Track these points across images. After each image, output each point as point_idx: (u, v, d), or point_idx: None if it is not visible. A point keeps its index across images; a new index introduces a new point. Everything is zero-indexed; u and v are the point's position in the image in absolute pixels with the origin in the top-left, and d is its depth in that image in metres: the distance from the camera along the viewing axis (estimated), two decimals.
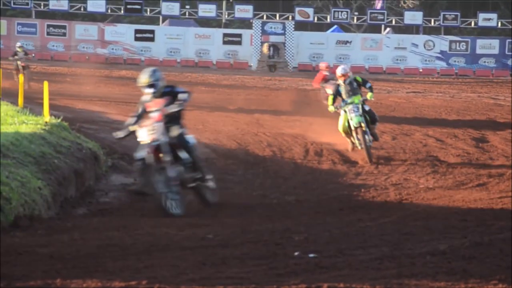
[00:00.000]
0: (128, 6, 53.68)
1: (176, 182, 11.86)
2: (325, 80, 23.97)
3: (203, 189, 12.51)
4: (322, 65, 25.38)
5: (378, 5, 57.75)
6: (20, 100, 18.93)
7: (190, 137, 12.55)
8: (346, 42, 54.56)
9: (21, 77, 22.64)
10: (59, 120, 16.72)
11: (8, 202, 10.36)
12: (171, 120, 12.28)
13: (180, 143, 12.14)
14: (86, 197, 13.27)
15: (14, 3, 52.21)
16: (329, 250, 8.90)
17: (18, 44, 36.45)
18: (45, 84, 16.92)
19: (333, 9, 56.66)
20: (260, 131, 21.20)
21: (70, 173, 13.22)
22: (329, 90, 19.77)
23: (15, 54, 34.47)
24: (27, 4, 52.43)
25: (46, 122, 15.94)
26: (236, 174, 15.97)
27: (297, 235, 9.85)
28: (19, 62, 33.79)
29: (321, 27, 59.97)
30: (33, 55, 39.17)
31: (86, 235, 9.82)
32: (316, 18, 55.57)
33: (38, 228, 10.27)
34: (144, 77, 12.37)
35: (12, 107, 18.04)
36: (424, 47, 54.33)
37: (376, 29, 58.16)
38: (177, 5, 53.87)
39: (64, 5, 52.50)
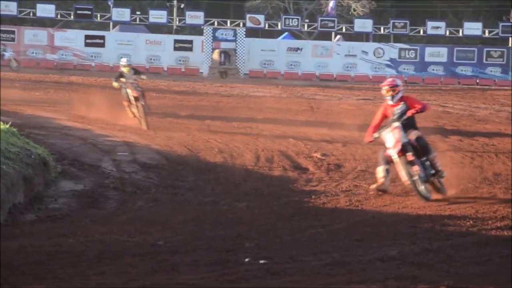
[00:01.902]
0: (78, 12, 53.30)
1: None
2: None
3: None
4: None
5: (330, 9, 58.06)
6: None
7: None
8: (297, 49, 54.74)
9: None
10: (7, 126, 16.53)
11: None
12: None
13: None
14: (35, 203, 13.12)
15: None
16: (280, 256, 8.94)
17: (124, 60, 24.72)
18: None
19: (284, 16, 56.88)
20: (211, 138, 21.19)
21: (18, 179, 13.07)
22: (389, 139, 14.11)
23: (121, 75, 23.79)
24: None
25: None
26: (187, 181, 15.93)
27: (248, 242, 9.87)
28: (129, 91, 23.30)
29: (272, 34, 60.16)
30: (144, 76, 24.61)
31: (36, 242, 9.73)
32: (267, 25, 55.71)
33: None
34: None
35: None
36: (374, 54, 54.74)
37: (326, 36, 58.50)
38: (127, 11, 53.64)
39: (13, 10, 51.99)
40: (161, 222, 11.82)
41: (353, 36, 59.37)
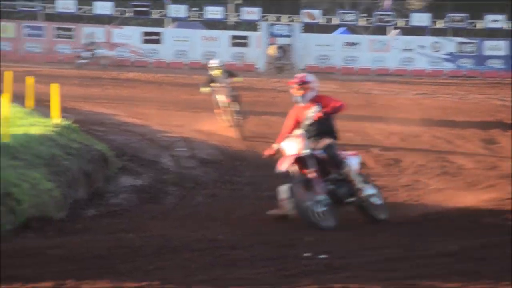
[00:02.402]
0: (136, 9, 53.70)
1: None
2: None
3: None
4: None
5: (386, 4, 57.65)
6: (30, 101, 18.95)
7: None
8: (353, 44, 54.47)
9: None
10: (68, 122, 16.73)
11: (19, 203, 10.38)
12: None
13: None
14: (96, 198, 13.28)
15: (21, 6, 52.22)
16: (340, 251, 8.89)
17: (215, 62, 22.23)
18: (54, 86, 16.94)
19: (340, 11, 56.61)
20: (268, 133, 21.16)
21: (80, 175, 13.24)
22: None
23: (211, 80, 21.50)
24: (34, 7, 52.47)
25: (55, 124, 15.96)
26: (245, 176, 15.96)
27: (307, 236, 9.84)
28: (221, 97, 21.18)
29: (328, 29, 59.92)
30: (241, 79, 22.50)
31: (97, 237, 9.83)
32: (323, 20, 55.49)
33: (49, 230, 10.29)
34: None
35: (21, 109, 18.08)
36: (432, 48, 54.23)
37: (382, 30, 58.07)
38: (184, 8, 53.88)
39: (71, 7, 52.56)
40: (220, 217, 11.86)
41: (409, 30, 58.85)
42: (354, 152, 11.93)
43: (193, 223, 11.24)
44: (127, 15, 54.42)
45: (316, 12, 55.51)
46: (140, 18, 55.74)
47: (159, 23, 56.36)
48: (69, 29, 52.18)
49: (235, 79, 21.66)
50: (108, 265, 8.11)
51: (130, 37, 52.77)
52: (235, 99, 21.09)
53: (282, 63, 52.53)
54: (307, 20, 54.52)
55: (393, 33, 56.68)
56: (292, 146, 11.18)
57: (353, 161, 11.46)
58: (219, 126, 21.74)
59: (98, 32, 52.08)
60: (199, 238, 9.75)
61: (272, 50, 52.59)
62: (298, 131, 11.34)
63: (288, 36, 53.38)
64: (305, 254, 8.71)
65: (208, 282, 7.47)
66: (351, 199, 11.26)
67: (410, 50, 54.15)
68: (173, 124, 21.96)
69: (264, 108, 27.55)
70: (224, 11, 55.03)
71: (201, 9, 54.86)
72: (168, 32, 54.70)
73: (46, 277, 7.37)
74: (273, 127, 22.33)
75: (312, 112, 11.33)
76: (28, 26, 52.31)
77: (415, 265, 8.00)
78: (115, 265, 8.13)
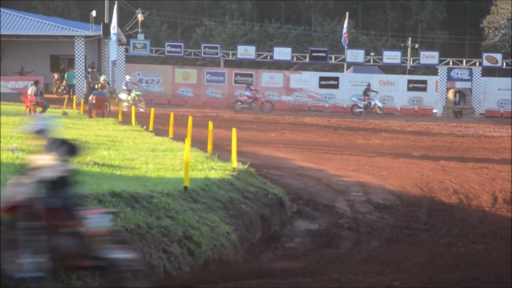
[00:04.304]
0: (313, 54, 54.33)
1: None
2: None
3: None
4: None
5: None
6: (209, 146, 19.49)
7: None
8: None
9: None
10: (246, 166, 17.07)
11: (198, 246, 10.66)
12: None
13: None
14: (273, 242, 13.44)
15: (204, 53, 53.90)
16: None
17: None
18: (233, 130, 17.36)
19: None
20: (445, 178, 20.82)
21: (256, 218, 13.47)
22: None
23: None
24: (216, 53, 54.05)
25: (233, 168, 16.33)
26: (421, 221, 15.74)
27: (487, 286, 9.60)
28: None
29: (509, 72, 58.47)
30: None
31: (274, 280, 9.94)
32: (504, 64, 54.15)
33: (226, 272, 10.49)
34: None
35: (201, 154, 18.59)
36: None
37: None
38: (361, 52, 53.99)
39: (251, 54, 53.77)
40: (396, 263, 11.75)
41: None
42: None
43: (368, 268, 11.18)
44: (305, 60, 55.14)
45: (498, 56, 54.27)
46: (318, 63, 56.18)
47: (337, 68, 56.76)
48: (249, 75, 53.38)
49: None
50: None
51: (307, 82, 53.39)
52: None
53: (461, 107, 51.63)
54: (488, 63, 53.37)
55: None
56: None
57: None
58: (393, 171, 21.59)
59: (276, 77, 52.98)
60: (375, 284, 9.70)
61: (451, 94, 51.83)
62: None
63: (468, 80, 52.47)
64: None
65: None
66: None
67: None
68: (349, 169, 21.99)
69: (442, 153, 27.13)
70: (402, 55, 54.79)
71: (379, 54, 54.85)
72: (345, 76, 55.01)
73: None
74: (449, 172, 21.97)
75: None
76: (209, 72, 53.92)
77: None
78: None
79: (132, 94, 40.89)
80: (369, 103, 48.00)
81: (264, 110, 47.12)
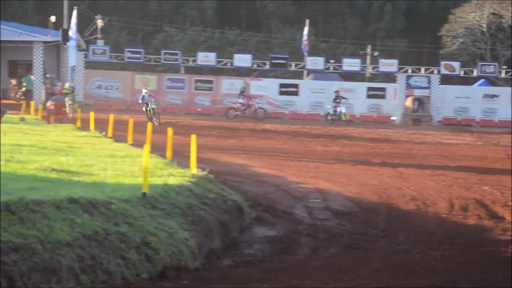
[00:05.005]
0: (274, 61, 54.48)
1: None
2: None
3: None
4: None
5: None
6: (169, 153, 19.45)
7: None
8: (493, 96, 53.51)
9: None
10: (205, 173, 17.07)
11: (156, 252, 10.64)
12: None
13: None
14: (231, 248, 13.45)
15: (164, 59, 53.79)
16: None
17: None
18: (193, 137, 17.34)
19: (480, 63, 55.67)
20: (403, 185, 20.98)
21: (215, 225, 13.46)
22: None
23: None
24: (177, 60, 53.97)
25: (193, 175, 16.31)
26: (379, 228, 15.84)
27: None
28: None
29: (467, 81, 59.10)
30: None
31: (232, 287, 9.94)
32: (462, 72, 54.69)
33: (185, 279, 10.48)
34: None
35: (160, 160, 18.55)
36: None
37: None
38: (321, 60, 54.20)
39: (212, 60, 53.74)
40: (354, 269, 11.80)
41: None
42: None
43: (326, 275, 11.22)
44: (265, 67, 55.24)
45: (456, 64, 54.80)
46: (278, 70, 56.31)
47: (297, 75, 56.95)
48: (210, 82, 53.39)
49: None
50: None
51: (267, 88, 53.51)
52: None
53: (419, 114, 52.08)
54: (446, 71, 53.87)
55: None
56: None
57: None
58: (352, 178, 21.70)
59: (237, 84, 53.00)
60: None
61: (409, 102, 52.25)
62: None
63: (426, 87, 52.94)
64: None
65: None
66: None
67: None
68: (308, 176, 22.06)
69: (400, 160, 27.33)
70: (361, 63, 55.14)
71: (338, 61, 55.18)
72: (305, 83, 55.24)
73: None
74: (407, 179, 22.15)
75: None
76: (169, 79, 53.83)
77: None
78: None
79: (148, 108, 37.99)
80: (335, 110, 48.30)
81: (257, 117, 47.15)
